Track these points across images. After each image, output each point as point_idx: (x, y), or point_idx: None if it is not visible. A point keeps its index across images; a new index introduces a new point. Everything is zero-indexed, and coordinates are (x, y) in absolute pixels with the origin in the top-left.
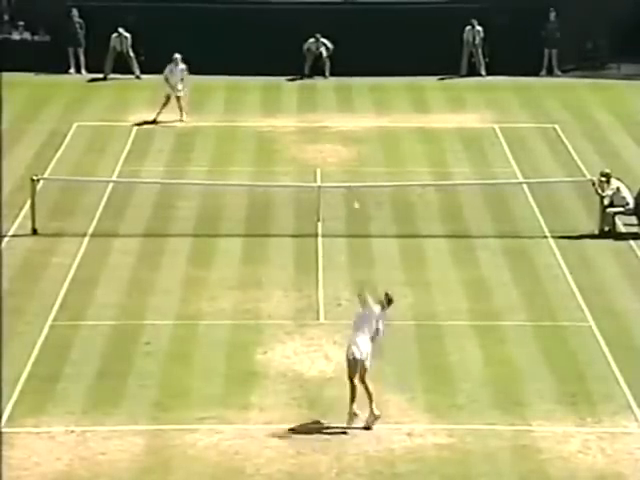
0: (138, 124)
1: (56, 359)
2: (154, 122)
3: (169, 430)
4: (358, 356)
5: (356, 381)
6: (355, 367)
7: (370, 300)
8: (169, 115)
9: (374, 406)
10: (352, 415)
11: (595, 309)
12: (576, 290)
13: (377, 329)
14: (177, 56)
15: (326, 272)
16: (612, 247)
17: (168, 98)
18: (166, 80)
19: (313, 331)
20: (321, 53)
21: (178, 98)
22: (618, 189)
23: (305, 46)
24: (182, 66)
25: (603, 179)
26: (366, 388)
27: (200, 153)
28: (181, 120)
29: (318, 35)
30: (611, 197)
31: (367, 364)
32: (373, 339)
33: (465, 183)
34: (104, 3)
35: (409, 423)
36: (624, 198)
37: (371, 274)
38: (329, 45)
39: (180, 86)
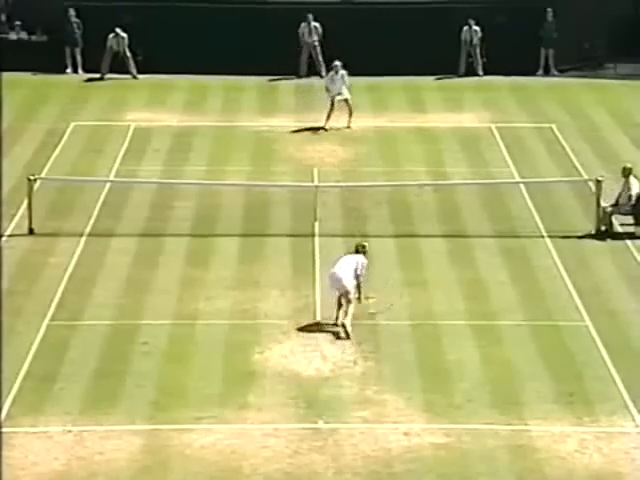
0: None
1: (53, 359)
2: (324, 129)
3: (166, 430)
4: (347, 286)
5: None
6: (335, 287)
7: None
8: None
9: (348, 322)
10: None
11: (592, 309)
12: (573, 290)
13: (360, 274)
14: (337, 63)
15: (323, 272)
16: (609, 247)
17: (333, 103)
18: (327, 90)
19: (310, 331)
20: (313, 43)
21: (346, 100)
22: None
23: (299, 32)
24: (342, 72)
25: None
26: (347, 310)
27: (197, 153)
28: (348, 127)
29: (310, 17)
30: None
31: (351, 296)
32: (357, 278)
33: (462, 183)
34: (101, 3)
35: (406, 423)
36: (630, 197)
37: (369, 274)
38: (319, 29)
39: (345, 91)
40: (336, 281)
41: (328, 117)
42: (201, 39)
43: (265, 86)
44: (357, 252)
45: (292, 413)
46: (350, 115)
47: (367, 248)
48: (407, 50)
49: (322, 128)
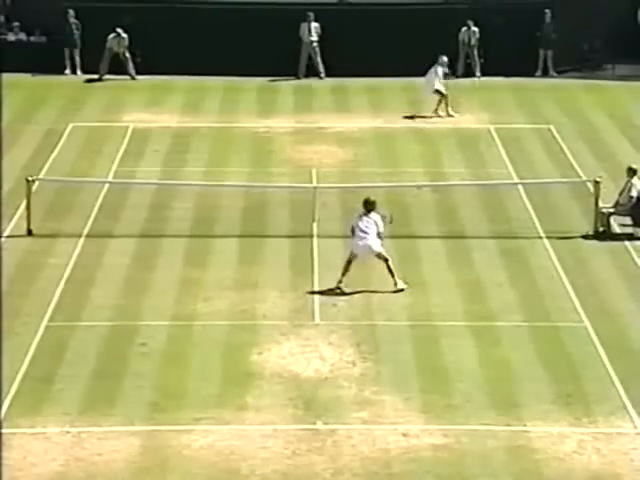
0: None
1: (52, 360)
2: (439, 116)
3: (165, 431)
4: (377, 249)
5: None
6: (368, 256)
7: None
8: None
9: (397, 279)
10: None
11: (590, 310)
12: (571, 291)
13: (381, 231)
14: (444, 59)
15: (322, 273)
16: (607, 248)
17: (441, 95)
18: (428, 82)
19: (308, 332)
20: (312, 42)
21: (441, 93)
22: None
23: (300, 32)
24: (442, 69)
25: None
26: (388, 265)
27: (196, 154)
28: (450, 115)
29: (311, 16)
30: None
31: (384, 254)
32: (379, 236)
33: (461, 184)
34: (100, 4)
35: (405, 423)
36: (631, 198)
37: (366, 275)
38: (319, 30)
39: (440, 84)
40: (368, 251)
41: (437, 108)
42: (200, 40)
43: (264, 87)
44: (368, 210)
45: (291, 414)
46: (447, 105)
47: (374, 199)
48: (405, 51)
49: (438, 116)
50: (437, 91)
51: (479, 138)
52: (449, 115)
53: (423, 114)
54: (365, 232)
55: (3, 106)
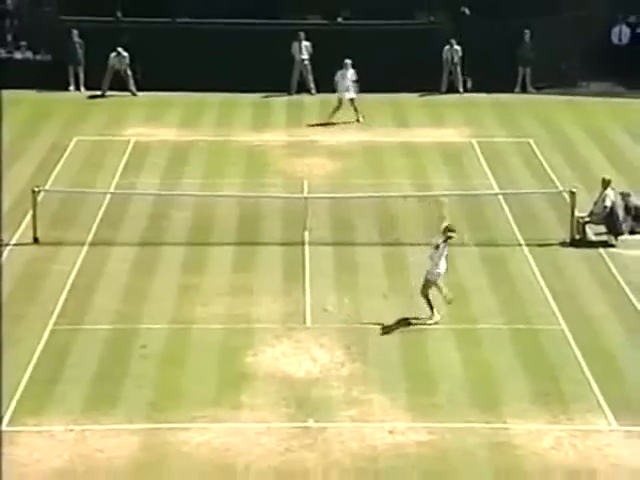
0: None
1: (56, 362)
2: (328, 124)
3: (164, 429)
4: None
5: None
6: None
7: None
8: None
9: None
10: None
11: (567, 313)
12: (549, 296)
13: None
14: (347, 61)
15: (313, 279)
16: (583, 255)
17: (340, 102)
18: (336, 85)
19: (300, 335)
20: (303, 60)
21: (352, 100)
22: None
23: (292, 50)
24: (352, 70)
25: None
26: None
27: (193, 166)
28: (358, 120)
29: (302, 35)
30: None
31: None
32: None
33: (445, 194)
34: (102, 25)
35: (391, 421)
36: (605, 208)
37: (355, 280)
38: (310, 48)
39: (352, 89)
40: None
41: (334, 112)
42: (197, 58)
43: (258, 103)
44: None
45: (283, 413)
46: (356, 111)
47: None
48: (391, 68)
49: (329, 123)
50: (351, 99)
51: (462, 151)
52: (358, 120)
53: (331, 122)
54: (440, 262)
55: (10, 121)
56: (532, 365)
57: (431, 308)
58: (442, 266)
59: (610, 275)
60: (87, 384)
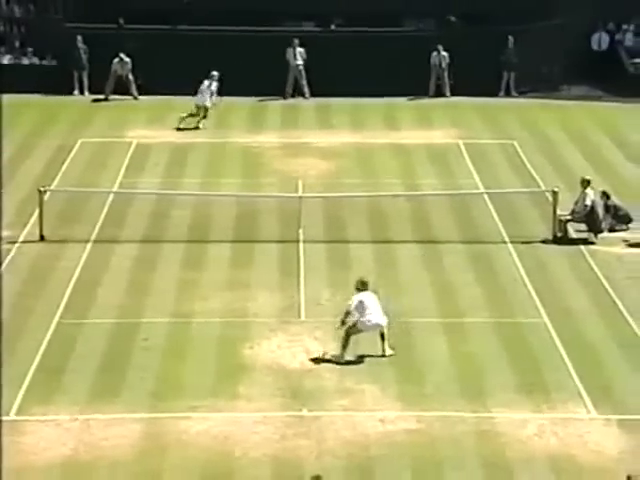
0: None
1: (62, 354)
2: (179, 130)
3: (165, 418)
4: (384, 323)
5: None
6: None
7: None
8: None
9: (386, 345)
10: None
11: (549, 308)
12: (532, 291)
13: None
14: (214, 73)
15: (307, 274)
16: (564, 252)
17: (206, 111)
18: (200, 92)
19: (295, 328)
20: (297, 66)
21: (206, 108)
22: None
23: (287, 56)
24: (216, 83)
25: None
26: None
27: (193, 167)
28: (197, 127)
29: (296, 42)
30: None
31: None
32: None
33: (432, 193)
34: (105, 31)
35: (382, 410)
36: (586, 206)
37: (348, 276)
38: (304, 54)
39: (210, 98)
40: (379, 326)
41: (185, 118)
42: (196, 64)
43: (254, 106)
44: (362, 289)
45: (279, 402)
46: (204, 117)
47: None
48: (383, 73)
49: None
50: (205, 107)
51: (449, 152)
52: (197, 127)
53: (182, 127)
54: (376, 310)
55: (18, 124)
56: (516, 357)
57: (344, 348)
58: (373, 317)
59: (590, 271)
60: (92, 375)
